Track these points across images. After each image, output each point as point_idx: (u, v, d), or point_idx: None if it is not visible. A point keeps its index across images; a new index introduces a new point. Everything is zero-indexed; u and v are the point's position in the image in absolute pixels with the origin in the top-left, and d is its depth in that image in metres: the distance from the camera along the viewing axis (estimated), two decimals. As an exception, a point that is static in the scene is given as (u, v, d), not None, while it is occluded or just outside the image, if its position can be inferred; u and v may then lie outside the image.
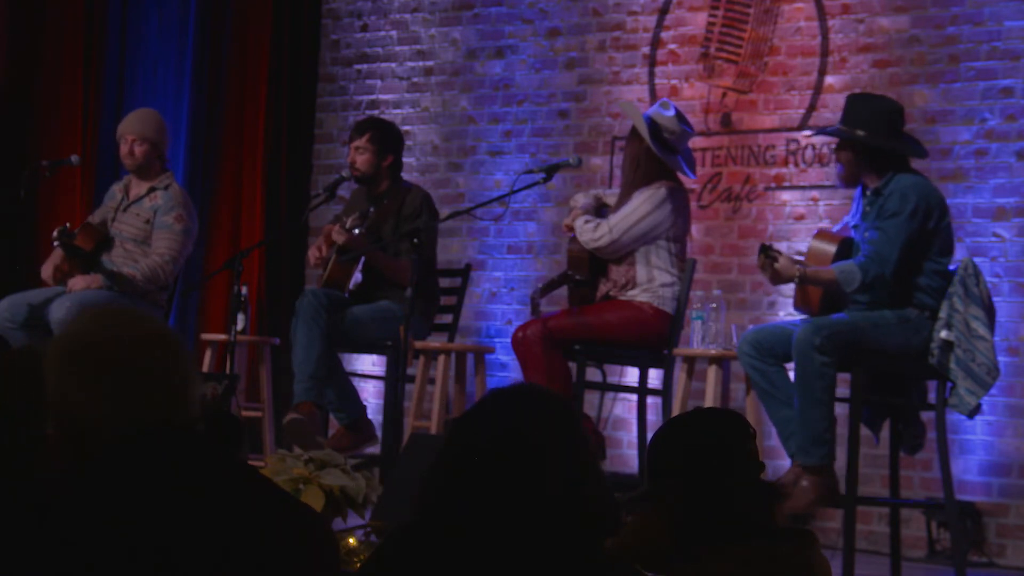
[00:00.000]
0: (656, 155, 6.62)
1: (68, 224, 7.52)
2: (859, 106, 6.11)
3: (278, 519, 2.41)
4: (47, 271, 7.42)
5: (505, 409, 2.54)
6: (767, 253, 5.93)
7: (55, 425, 2.47)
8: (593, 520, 2.49)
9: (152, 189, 7.49)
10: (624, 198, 6.69)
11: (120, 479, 2.37)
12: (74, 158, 7.97)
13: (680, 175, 6.79)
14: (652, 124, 6.65)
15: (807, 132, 7.87)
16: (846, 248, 6.08)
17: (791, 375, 6.02)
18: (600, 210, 6.81)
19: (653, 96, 8.31)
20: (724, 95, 8.20)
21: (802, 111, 7.94)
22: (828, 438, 5.89)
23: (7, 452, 3.41)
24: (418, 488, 2.54)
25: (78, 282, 7.31)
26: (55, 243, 7.38)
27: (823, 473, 5.89)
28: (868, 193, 6.06)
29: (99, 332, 2.48)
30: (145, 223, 7.45)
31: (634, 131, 6.73)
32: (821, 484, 5.88)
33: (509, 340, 6.76)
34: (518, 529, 2.44)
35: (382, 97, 9.36)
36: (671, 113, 6.66)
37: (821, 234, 6.28)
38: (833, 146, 6.19)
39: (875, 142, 5.98)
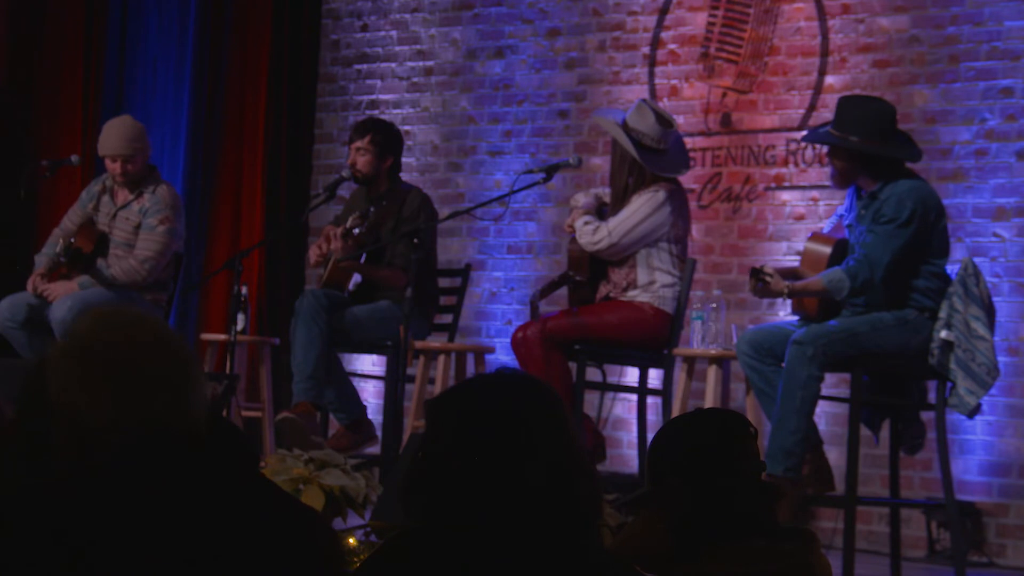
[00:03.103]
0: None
1: (72, 240, 7.53)
2: (851, 109, 6.07)
3: (283, 525, 2.40)
4: (30, 286, 7.46)
5: (489, 390, 2.50)
6: (758, 277, 5.92)
7: (59, 428, 2.46)
8: (580, 507, 2.46)
9: (140, 193, 7.51)
10: (618, 204, 6.67)
11: (124, 484, 2.35)
12: (74, 158, 7.98)
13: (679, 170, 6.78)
14: (631, 133, 6.60)
15: (804, 133, 7.87)
16: (841, 250, 6.06)
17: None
18: (601, 210, 6.80)
19: (653, 96, 8.31)
20: (724, 95, 8.20)
21: (802, 111, 7.94)
22: (796, 451, 5.86)
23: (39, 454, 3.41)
24: (403, 478, 2.51)
25: (57, 289, 7.35)
26: (61, 259, 7.43)
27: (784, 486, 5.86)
28: (863, 196, 6.05)
29: (102, 333, 2.46)
30: (135, 227, 7.48)
31: (616, 140, 6.70)
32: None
33: (509, 340, 6.76)
34: (508, 521, 2.41)
35: (382, 97, 9.36)
36: (649, 118, 6.60)
37: (816, 236, 6.27)
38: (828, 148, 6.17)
39: (869, 149, 5.96)
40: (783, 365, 5.98)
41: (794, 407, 5.84)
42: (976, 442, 7.36)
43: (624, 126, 6.63)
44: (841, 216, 6.22)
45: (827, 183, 7.66)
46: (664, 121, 6.61)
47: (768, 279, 5.89)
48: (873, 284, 5.89)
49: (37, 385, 3.46)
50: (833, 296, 5.93)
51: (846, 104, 6.14)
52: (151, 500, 2.33)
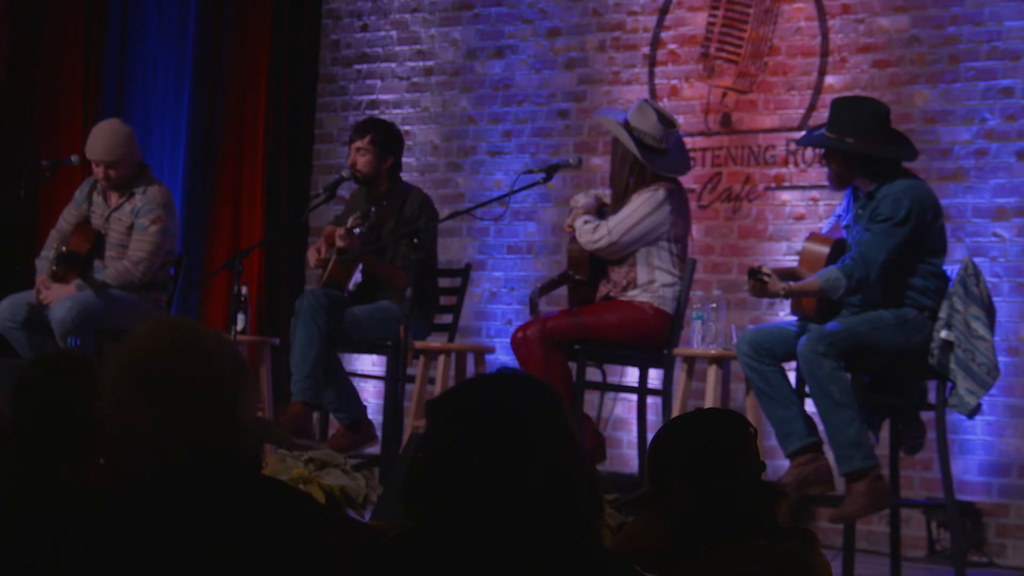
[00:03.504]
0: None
1: (65, 248, 7.53)
2: (845, 111, 6.06)
3: (330, 551, 2.36)
4: (41, 295, 7.46)
5: (489, 390, 2.49)
6: (756, 277, 5.92)
7: (110, 436, 2.40)
8: (580, 507, 2.45)
9: (131, 194, 7.51)
10: (618, 203, 6.67)
11: (165, 502, 2.31)
12: (74, 158, 7.98)
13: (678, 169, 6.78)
14: (632, 132, 6.59)
15: (803, 134, 7.87)
16: (839, 249, 6.05)
17: (790, 375, 6.02)
18: (601, 210, 6.80)
19: (653, 96, 8.31)
20: (724, 95, 8.20)
21: (802, 111, 7.94)
22: (862, 440, 5.82)
23: (51, 456, 3.38)
24: (403, 478, 2.50)
25: (53, 293, 7.35)
26: (53, 267, 7.43)
27: (869, 476, 5.82)
28: (860, 196, 6.04)
29: (153, 348, 2.38)
30: (128, 228, 7.49)
31: (618, 139, 6.70)
32: (869, 488, 5.81)
33: (509, 340, 6.76)
34: (508, 521, 2.40)
35: (382, 97, 9.36)
36: (651, 118, 6.60)
37: (814, 237, 6.26)
38: (824, 151, 6.17)
39: (864, 150, 5.96)
40: (784, 366, 5.99)
41: (835, 402, 5.81)
42: (976, 442, 7.36)
43: (626, 125, 6.63)
44: (839, 217, 6.22)
45: (827, 183, 7.68)
46: (666, 121, 6.62)
47: (766, 279, 5.89)
48: (869, 282, 5.88)
49: (30, 385, 3.45)
50: (830, 295, 5.92)
51: (840, 105, 6.13)
52: (189, 522, 2.28)
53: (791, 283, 5.99)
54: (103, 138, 7.50)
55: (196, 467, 2.34)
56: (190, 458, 2.35)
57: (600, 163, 8.42)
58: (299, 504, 2.42)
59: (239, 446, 2.39)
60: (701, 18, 8.29)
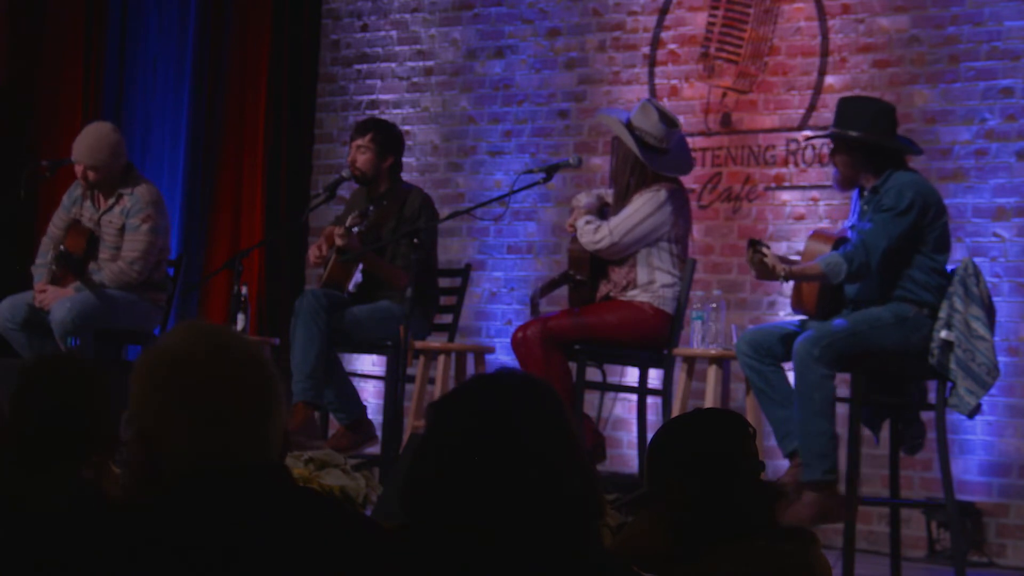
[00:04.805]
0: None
1: (63, 247, 7.52)
2: (851, 108, 6.10)
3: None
4: (38, 299, 7.45)
5: (489, 390, 2.48)
6: (756, 248, 5.91)
7: (133, 443, 2.33)
8: (580, 507, 2.44)
9: (119, 195, 7.52)
10: (620, 203, 6.67)
11: (186, 521, 2.25)
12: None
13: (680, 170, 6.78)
14: (634, 131, 6.60)
15: (807, 132, 7.88)
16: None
17: (789, 376, 6.02)
18: (603, 210, 6.80)
19: (653, 96, 8.31)
20: (724, 95, 8.20)
21: (802, 111, 7.94)
22: (829, 452, 5.85)
23: (50, 456, 3.37)
24: (404, 479, 2.50)
25: (51, 296, 7.35)
26: (53, 267, 7.42)
27: (826, 489, 5.85)
28: (866, 193, 6.06)
29: (193, 353, 2.32)
30: (119, 230, 7.49)
31: (620, 138, 6.70)
32: (821, 501, 5.83)
33: (509, 340, 6.76)
34: (508, 521, 2.40)
35: (382, 97, 9.36)
36: (653, 117, 6.60)
37: (817, 235, 6.27)
38: (831, 148, 6.18)
39: (872, 139, 5.98)
40: (783, 366, 5.99)
41: (814, 410, 5.83)
42: (976, 442, 7.36)
43: (628, 125, 6.63)
44: (845, 230, 6.22)
45: (827, 183, 7.67)
46: (668, 120, 6.61)
47: (765, 251, 5.86)
48: (869, 268, 5.89)
49: (30, 386, 3.44)
50: (830, 280, 5.92)
51: (846, 103, 6.17)
52: (210, 543, 2.24)
53: (791, 266, 5.99)
54: (86, 141, 7.51)
55: (226, 482, 2.30)
56: (220, 473, 2.30)
57: (600, 163, 8.42)
58: (340, 518, 2.39)
59: (269, 459, 2.34)
60: (701, 18, 8.29)
